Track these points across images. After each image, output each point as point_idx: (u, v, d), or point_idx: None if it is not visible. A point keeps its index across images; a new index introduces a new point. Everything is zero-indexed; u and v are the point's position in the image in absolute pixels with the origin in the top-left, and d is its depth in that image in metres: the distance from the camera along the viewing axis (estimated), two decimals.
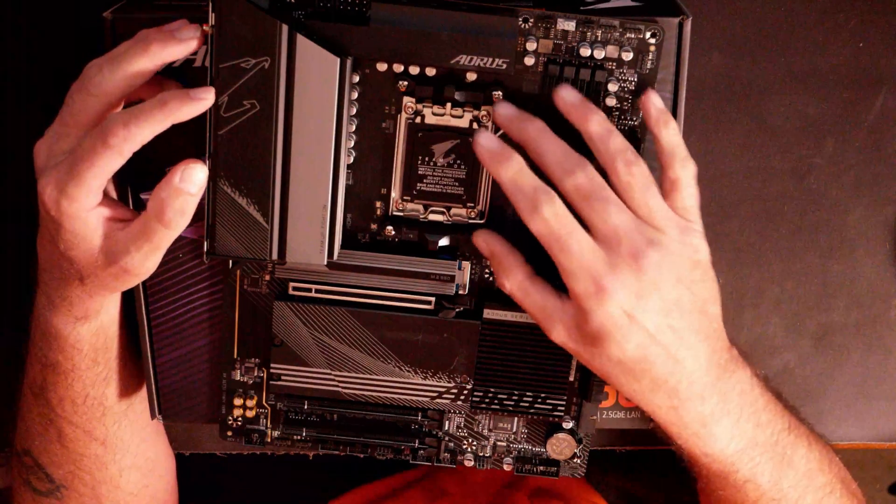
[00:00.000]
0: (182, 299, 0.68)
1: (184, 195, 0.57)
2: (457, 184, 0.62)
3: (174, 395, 0.70)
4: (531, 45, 0.60)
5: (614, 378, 0.60)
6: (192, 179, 0.57)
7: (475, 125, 0.61)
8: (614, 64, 0.60)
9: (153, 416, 0.71)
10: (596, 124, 0.58)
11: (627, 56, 0.60)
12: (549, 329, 0.60)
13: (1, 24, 0.72)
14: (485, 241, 0.62)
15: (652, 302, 0.57)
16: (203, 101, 0.57)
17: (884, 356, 0.76)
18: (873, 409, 0.72)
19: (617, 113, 0.61)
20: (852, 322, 0.76)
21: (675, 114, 0.65)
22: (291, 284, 0.65)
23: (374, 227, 0.64)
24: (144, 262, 0.59)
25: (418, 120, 0.61)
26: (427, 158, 0.62)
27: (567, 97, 0.59)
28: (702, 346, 0.60)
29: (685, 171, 0.60)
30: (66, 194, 0.57)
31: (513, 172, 0.58)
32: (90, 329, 0.64)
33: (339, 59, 0.57)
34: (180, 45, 0.57)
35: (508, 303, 0.65)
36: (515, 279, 0.61)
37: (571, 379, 0.67)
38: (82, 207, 0.57)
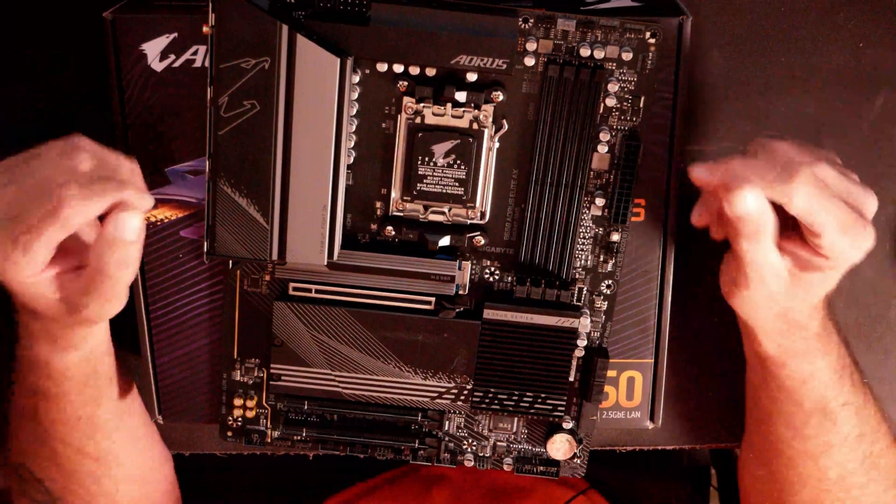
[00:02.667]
0: (182, 299, 0.68)
1: (121, 244, 0.56)
2: (457, 184, 0.62)
3: (174, 395, 0.70)
4: (531, 46, 0.60)
5: (784, 312, 0.63)
6: (126, 227, 0.56)
7: (475, 125, 0.61)
8: (614, 64, 0.60)
9: (153, 416, 0.71)
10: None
11: (627, 56, 0.60)
12: (770, 283, 0.61)
13: (1, 25, 0.72)
14: (759, 199, 0.58)
15: None
16: (147, 204, 0.57)
17: (884, 356, 0.76)
18: None
19: (617, 113, 0.61)
20: (852, 322, 0.75)
21: (674, 114, 0.65)
22: (291, 285, 0.65)
23: (374, 227, 0.64)
24: (102, 311, 0.58)
25: (418, 120, 0.61)
26: (427, 158, 0.62)
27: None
28: None
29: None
30: (11, 261, 0.55)
31: (745, 171, 0.58)
32: (78, 356, 0.63)
33: (339, 59, 0.57)
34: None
35: (508, 303, 0.65)
36: (767, 243, 0.60)
37: (571, 379, 0.67)
38: (28, 274, 0.55)
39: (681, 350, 0.73)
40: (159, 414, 0.71)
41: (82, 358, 0.63)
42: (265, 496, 0.89)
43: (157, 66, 0.63)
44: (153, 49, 0.63)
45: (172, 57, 0.63)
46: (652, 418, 0.72)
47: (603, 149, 0.62)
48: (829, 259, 0.60)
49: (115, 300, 0.58)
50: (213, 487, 0.86)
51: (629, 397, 0.71)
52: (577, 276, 0.66)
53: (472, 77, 0.60)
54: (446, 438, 0.70)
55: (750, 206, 0.58)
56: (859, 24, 0.71)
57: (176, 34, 0.63)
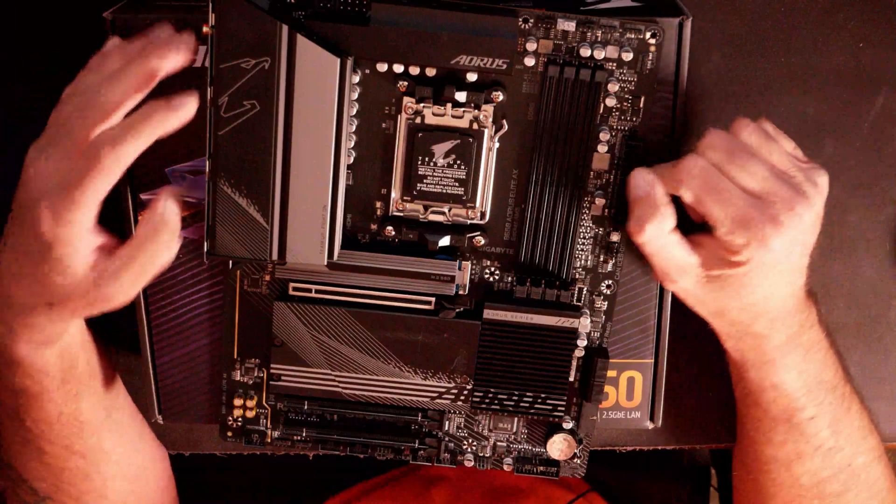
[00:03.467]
0: (182, 299, 0.68)
1: (164, 226, 0.57)
2: (457, 184, 0.62)
3: (174, 395, 0.70)
4: (531, 46, 0.60)
5: (720, 312, 0.63)
6: (169, 211, 0.57)
7: (475, 125, 0.61)
8: (614, 64, 0.60)
9: (153, 416, 0.71)
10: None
11: (627, 56, 0.60)
12: (677, 279, 0.61)
13: (1, 25, 0.72)
14: (645, 181, 0.59)
15: (797, 248, 0.59)
16: (187, 108, 0.56)
17: (884, 356, 0.76)
18: (873, 409, 0.72)
19: (617, 113, 0.61)
20: (852, 322, 0.76)
21: (674, 114, 0.65)
22: (291, 285, 0.65)
23: (374, 227, 0.64)
24: (128, 290, 0.58)
25: (418, 120, 0.61)
26: (427, 158, 0.62)
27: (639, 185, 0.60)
28: (797, 279, 0.62)
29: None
30: (61, 219, 0.55)
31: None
32: (55, 352, 0.62)
33: (339, 59, 0.57)
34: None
35: (508, 303, 0.65)
36: (662, 228, 0.59)
37: (571, 379, 0.68)
38: (77, 232, 0.56)
39: (681, 350, 0.73)
40: (159, 414, 0.71)
41: (58, 354, 0.63)
42: (265, 496, 0.89)
43: None
44: None
45: None
46: (652, 418, 0.72)
47: (603, 149, 0.62)
48: (736, 254, 0.59)
49: (144, 281, 0.58)
50: (213, 487, 0.86)
51: (629, 397, 0.71)
52: (577, 276, 0.66)
53: (472, 77, 0.60)
54: (446, 438, 0.70)
55: (636, 187, 0.59)
56: (859, 24, 0.71)
57: None
